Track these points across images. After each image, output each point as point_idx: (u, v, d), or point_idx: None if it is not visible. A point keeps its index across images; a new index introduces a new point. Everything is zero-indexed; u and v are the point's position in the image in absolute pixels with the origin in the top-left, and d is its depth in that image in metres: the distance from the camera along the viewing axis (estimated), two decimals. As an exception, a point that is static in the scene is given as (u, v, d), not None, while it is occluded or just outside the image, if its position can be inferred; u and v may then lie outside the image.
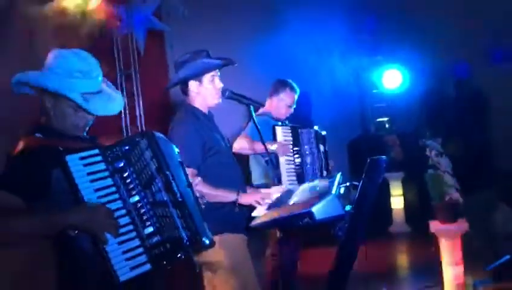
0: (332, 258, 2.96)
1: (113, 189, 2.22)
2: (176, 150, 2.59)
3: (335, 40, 7.71)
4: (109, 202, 2.17)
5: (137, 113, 6.35)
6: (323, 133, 4.58)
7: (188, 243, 2.24)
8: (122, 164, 2.26)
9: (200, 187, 3.20)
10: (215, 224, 3.28)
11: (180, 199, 2.27)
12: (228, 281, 3.32)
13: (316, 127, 4.58)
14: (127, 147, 2.28)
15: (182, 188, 2.34)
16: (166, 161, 2.30)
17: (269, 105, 4.58)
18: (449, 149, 4.49)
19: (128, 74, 6.30)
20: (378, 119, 8.80)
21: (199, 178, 3.20)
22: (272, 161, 3.98)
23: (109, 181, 2.22)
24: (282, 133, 4.30)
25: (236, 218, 3.36)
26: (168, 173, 2.28)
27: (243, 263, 3.37)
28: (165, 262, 2.21)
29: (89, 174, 2.17)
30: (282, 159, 4.24)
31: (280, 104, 4.58)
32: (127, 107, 6.28)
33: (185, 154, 3.21)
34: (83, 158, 2.17)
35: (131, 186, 2.25)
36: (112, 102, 2.42)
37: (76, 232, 2.10)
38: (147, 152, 2.28)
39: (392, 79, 8.65)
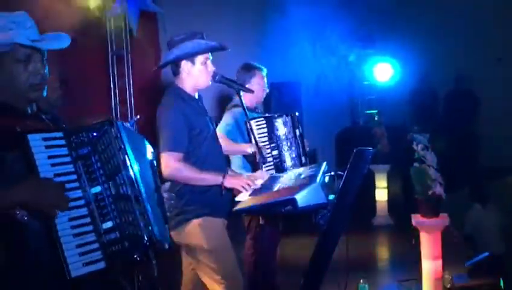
0: (313, 247, 2.99)
1: (74, 177, 2.06)
2: (150, 149, 2.47)
3: (327, 32, 7.72)
4: (68, 190, 2.01)
5: (127, 94, 6.34)
6: (296, 114, 4.40)
7: (147, 243, 2.09)
8: (86, 151, 2.09)
9: (185, 172, 3.25)
10: (198, 207, 3.33)
11: (144, 197, 2.12)
12: (208, 265, 3.34)
13: (297, 113, 4.42)
14: (94, 134, 2.11)
15: (149, 188, 2.22)
16: (134, 154, 2.14)
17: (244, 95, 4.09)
18: (436, 144, 4.51)
19: (120, 55, 6.29)
20: (367, 111, 8.84)
21: (182, 163, 3.23)
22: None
23: (70, 168, 2.06)
24: (256, 127, 4.21)
25: (219, 202, 3.36)
26: (136, 166, 2.12)
27: (223, 247, 3.38)
28: (120, 261, 2.08)
29: (50, 157, 2.01)
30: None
31: (255, 90, 4.24)
32: (117, 88, 6.28)
33: (173, 139, 3.24)
34: (45, 139, 2.01)
35: (94, 176, 2.09)
36: (59, 38, 2.19)
37: (26, 218, 1.93)
38: (115, 142, 2.11)
39: (383, 72, 8.71)
